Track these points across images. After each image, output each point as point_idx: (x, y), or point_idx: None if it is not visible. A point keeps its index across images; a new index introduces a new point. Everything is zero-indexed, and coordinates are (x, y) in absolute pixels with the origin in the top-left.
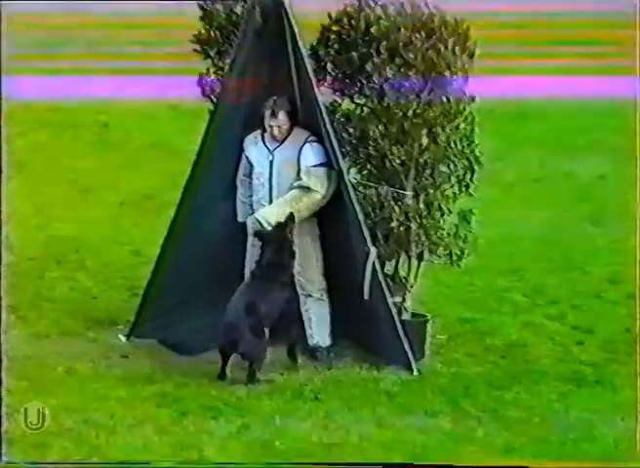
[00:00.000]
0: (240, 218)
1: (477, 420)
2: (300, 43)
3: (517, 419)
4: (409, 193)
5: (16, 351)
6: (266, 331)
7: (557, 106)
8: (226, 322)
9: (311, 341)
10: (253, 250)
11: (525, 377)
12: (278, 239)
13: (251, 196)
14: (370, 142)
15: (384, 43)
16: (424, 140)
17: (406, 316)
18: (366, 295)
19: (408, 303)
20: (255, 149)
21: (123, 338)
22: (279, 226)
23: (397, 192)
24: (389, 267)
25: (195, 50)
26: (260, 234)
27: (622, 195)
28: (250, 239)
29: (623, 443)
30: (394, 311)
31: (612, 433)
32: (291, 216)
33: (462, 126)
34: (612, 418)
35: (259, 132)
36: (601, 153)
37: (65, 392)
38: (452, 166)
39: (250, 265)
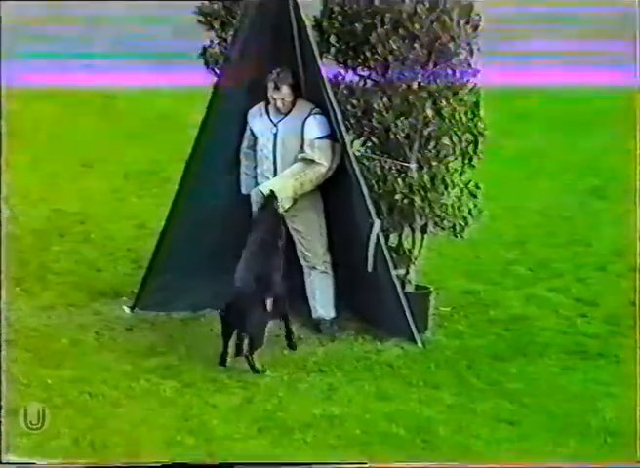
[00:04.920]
0: (244, 191)
1: (480, 392)
2: (303, 15)
3: (520, 391)
4: (413, 166)
5: (21, 323)
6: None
7: (561, 79)
8: (234, 299)
9: (315, 313)
10: None
11: (528, 350)
12: (268, 218)
13: (255, 168)
14: (374, 115)
15: (388, 14)
16: (429, 113)
17: (409, 288)
18: (369, 268)
19: (411, 275)
20: (259, 121)
21: (127, 310)
22: (267, 204)
23: (401, 165)
24: (393, 240)
25: (199, 21)
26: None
27: (626, 168)
28: (254, 211)
29: (626, 415)
30: (398, 283)
31: (614, 405)
32: (272, 194)
33: (467, 98)
34: (615, 390)
35: (263, 104)
36: (605, 126)
37: (70, 364)
38: (456, 138)
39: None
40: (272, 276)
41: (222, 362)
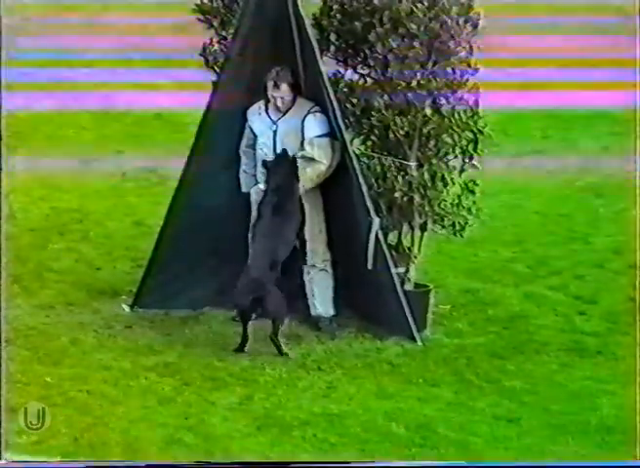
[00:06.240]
0: (244, 189)
1: (480, 390)
2: (302, 13)
3: (519, 389)
4: (412, 164)
5: (19, 321)
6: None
7: (560, 77)
8: (251, 279)
9: (314, 311)
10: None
11: (527, 348)
12: (284, 165)
13: (254, 167)
14: (373, 113)
15: (387, 13)
16: (428, 111)
17: (409, 286)
18: (369, 266)
19: (411, 274)
20: (258, 120)
21: (126, 309)
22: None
23: (401, 163)
24: (393, 238)
25: (198, 19)
26: (265, 163)
27: (625, 166)
28: (254, 209)
29: (625, 412)
30: (397, 281)
31: (613, 403)
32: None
33: (466, 97)
34: (613, 388)
35: (262, 102)
36: (604, 124)
37: (69, 362)
38: (455, 137)
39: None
40: (286, 239)
41: (241, 348)
